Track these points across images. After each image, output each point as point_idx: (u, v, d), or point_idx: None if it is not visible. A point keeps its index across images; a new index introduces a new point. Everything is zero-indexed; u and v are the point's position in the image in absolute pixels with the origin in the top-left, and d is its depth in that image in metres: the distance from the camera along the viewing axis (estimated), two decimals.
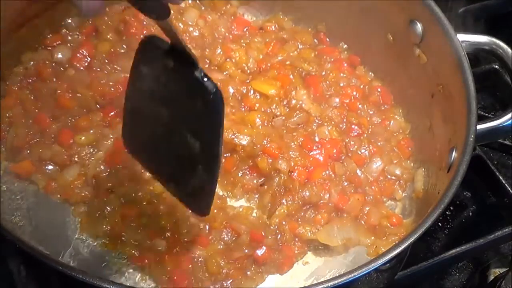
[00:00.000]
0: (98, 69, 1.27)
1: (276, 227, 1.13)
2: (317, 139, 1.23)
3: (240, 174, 1.19)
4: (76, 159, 1.16)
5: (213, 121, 0.88)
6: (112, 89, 1.23)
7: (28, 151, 1.15)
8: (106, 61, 1.28)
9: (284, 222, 1.13)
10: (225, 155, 1.19)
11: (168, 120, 0.93)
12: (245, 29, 1.41)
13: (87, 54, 1.28)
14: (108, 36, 1.31)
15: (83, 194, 1.13)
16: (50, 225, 1.11)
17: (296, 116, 1.25)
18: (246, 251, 1.10)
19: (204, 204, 0.98)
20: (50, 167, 1.15)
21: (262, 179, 1.19)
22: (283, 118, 1.24)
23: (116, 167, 1.14)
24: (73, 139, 1.17)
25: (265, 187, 1.18)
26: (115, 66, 1.28)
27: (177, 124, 0.92)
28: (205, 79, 0.84)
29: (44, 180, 1.14)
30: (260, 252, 1.09)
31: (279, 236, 1.13)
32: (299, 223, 1.14)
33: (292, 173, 1.16)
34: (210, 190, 0.96)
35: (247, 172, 1.19)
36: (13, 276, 1.06)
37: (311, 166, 1.18)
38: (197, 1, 1.41)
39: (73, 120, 1.19)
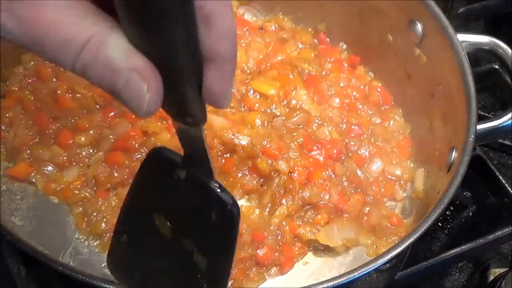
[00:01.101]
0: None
1: (276, 227, 1.13)
2: (318, 138, 1.23)
3: (240, 175, 1.19)
4: (75, 160, 1.16)
5: (228, 235, 0.82)
6: None
7: (28, 152, 1.15)
8: None
9: (284, 223, 1.13)
10: (224, 156, 1.19)
11: (171, 237, 0.86)
12: (245, 29, 1.41)
13: None
14: None
15: (82, 195, 1.13)
16: (50, 225, 1.11)
17: (296, 116, 1.25)
18: (249, 250, 1.10)
19: None
20: (50, 168, 1.15)
21: (262, 179, 1.19)
22: (283, 118, 1.24)
23: (116, 167, 1.14)
24: (72, 140, 1.16)
25: (265, 187, 1.18)
26: None
27: (182, 240, 0.86)
28: (221, 191, 0.79)
29: (43, 181, 1.14)
30: (261, 252, 1.09)
31: (279, 237, 1.13)
32: (299, 223, 1.14)
33: (292, 174, 1.16)
34: None
35: (247, 173, 1.19)
36: (13, 276, 1.06)
37: (311, 167, 1.18)
38: None
39: (72, 120, 1.19)
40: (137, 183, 0.88)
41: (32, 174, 1.14)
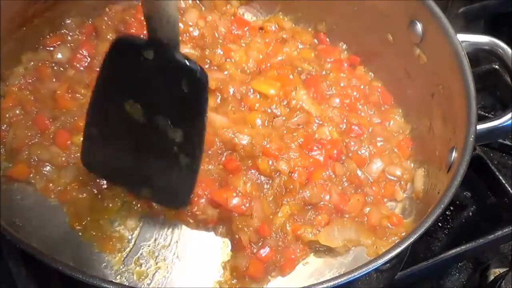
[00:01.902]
0: (98, 69, 1.26)
1: (279, 227, 1.12)
2: (318, 138, 1.23)
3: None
4: (73, 160, 1.15)
5: (199, 101, 0.88)
6: None
7: (27, 152, 1.15)
8: None
9: (287, 223, 1.13)
10: (224, 154, 1.19)
11: (144, 120, 0.91)
12: (245, 29, 1.41)
13: (87, 54, 1.28)
14: (108, 36, 1.31)
15: (80, 196, 1.13)
16: (50, 225, 1.11)
17: (297, 116, 1.25)
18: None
19: (185, 195, 0.97)
20: (48, 168, 1.15)
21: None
22: (284, 118, 1.24)
23: None
24: (71, 140, 1.16)
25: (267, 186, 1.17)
26: None
27: (155, 119, 0.90)
28: (189, 61, 0.85)
29: (42, 182, 1.13)
30: (263, 252, 1.09)
31: (281, 238, 1.12)
32: (300, 224, 1.14)
33: (293, 174, 1.16)
34: (193, 177, 0.94)
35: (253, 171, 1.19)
36: (13, 276, 1.06)
37: (311, 167, 1.18)
38: (197, 1, 1.41)
39: (72, 120, 1.19)
40: (104, 73, 0.91)
41: (31, 175, 1.14)
